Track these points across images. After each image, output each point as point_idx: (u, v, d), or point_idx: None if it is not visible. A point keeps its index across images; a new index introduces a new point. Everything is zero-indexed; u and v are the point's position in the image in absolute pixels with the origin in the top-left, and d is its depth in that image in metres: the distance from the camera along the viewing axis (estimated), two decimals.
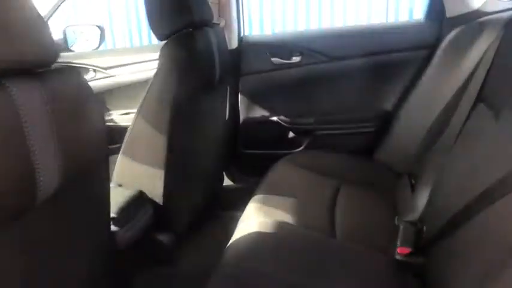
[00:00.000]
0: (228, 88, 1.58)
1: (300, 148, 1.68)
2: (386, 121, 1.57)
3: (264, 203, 1.19)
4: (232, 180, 1.81)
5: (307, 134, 1.66)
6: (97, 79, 1.86)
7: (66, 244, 0.72)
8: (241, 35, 1.70)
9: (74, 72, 0.69)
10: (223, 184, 1.79)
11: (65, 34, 1.84)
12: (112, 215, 1.01)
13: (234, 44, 1.65)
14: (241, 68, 1.66)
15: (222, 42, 1.36)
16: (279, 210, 1.15)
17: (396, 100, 1.57)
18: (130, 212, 1.10)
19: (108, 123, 1.82)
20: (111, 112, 1.85)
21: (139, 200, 1.16)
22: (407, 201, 1.19)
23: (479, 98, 1.04)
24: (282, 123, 1.67)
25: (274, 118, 1.67)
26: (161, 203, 1.19)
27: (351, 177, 1.36)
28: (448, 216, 0.85)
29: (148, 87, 1.13)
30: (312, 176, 1.34)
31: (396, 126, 1.53)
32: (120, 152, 1.19)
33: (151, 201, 1.19)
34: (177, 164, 1.19)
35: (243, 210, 1.20)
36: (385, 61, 1.57)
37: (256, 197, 1.23)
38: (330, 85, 1.63)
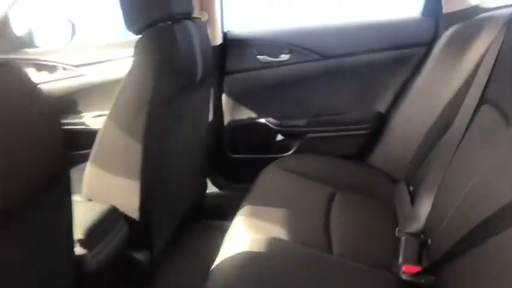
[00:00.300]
0: (212, 88, 1.46)
1: (290, 152, 1.59)
2: (380, 123, 1.50)
3: (253, 215, 1.09)
4: (217, 186, 1.71)
5: (297, 137, 1.58)
6: (67, 78, 1.70)
7: (19, 274, 0.60)
8: (226, 30, 1.58)
9: (14, 70, 0.55)
10: (207, 191, 1.67)
11: (30, 29, 1.70)
12: (79, 236, 0.89)
13: (217, 40, 1.53)
14: (225, 66, 1.56)
15: (205, 37, 1.25)
16: (269, 223, 1.05)
17: (391, 101, 1.50)
18: (101, 231, 0.97)
19: (80, 127, 1.68)
20: (82, 114, 1.70)
21: (112, 215, 1.03)
22: (407, 210, 1.12)
23: (484, 99, 0.97)
24: (270, 125, 1.58)
25: (262, 120, 1.58)
26: (137, 218, 1.07)
27: (345, 183, 1.28)
28: (458, 232, 0.76)
29: (120, 87, 1.00)
30: (304, 182, 1.26)
31: (391, 128, 1.45)
32: (89, 161, 1.06)
33: (126, 217, 1.07)
34: (154, 175, 1.07)
35: (229, 220, 1.12)
36: (379, 59, 1.50)
37: (244, 209, 1.13)
38: (321, 85, 1.55)
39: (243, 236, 0.99)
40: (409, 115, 1.40)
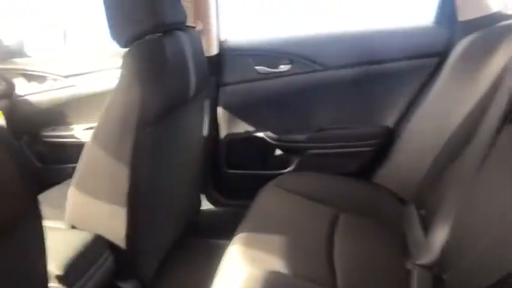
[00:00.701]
0: (207, 100, 1.37)
1: (289, 169, 1.50)
2: (388, 139, 1.41)
3: (249, 243, 1.00)
4: (212, 203, 1.63)
5: (297, 152, 1.49)
6: (56, 89, 1.62)
7: None
8: (222, 39, 1.50)
9: None
10: (202, 208, 1.58)
11: (19, 38, 1.63)
12: (57, 272, 0.80)
13: (213, 50, 1.45)
14: (221, 77, 1.48)
15: (198, 48, 1.16)
16: (267, 253, 0.96)
17: (400, 115, 1.40)
18: (84, 264, 0.90)
19: (69, 139, 1.60)
20: (72, 126, 1.62)
21: (96, 245, 0.96)
22: (419, 237, 1.04)
23: (508, 118, 0.88)
24: (269, 140, 1.49)
25: (260, 134, 1.50)
26: (124, 247, 0.99)
27: (349, 204, 1.20)
28: (485, 275, 0.66)
29: (105, 106, 0.91)
30: (304, 203, 1.18)
31: (400, 145, 1.36)
32: (72, 185, 0.97)
33: (112, 245, 0.99)
34: (142, 199, 0.99)
35: (224, 238, 1.07)
36: (388, 70, 1.40)
37: (240, 235, 1.04)
38: (324, 98, 1.46)
39: (238, 269, 0.90)
40: (419, 131, 1.30)
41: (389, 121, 1.42)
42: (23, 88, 1.61)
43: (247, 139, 1.50)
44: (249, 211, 1.17)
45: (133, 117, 0.91)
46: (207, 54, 1.30)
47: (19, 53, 1.65)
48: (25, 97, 1.59)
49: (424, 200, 1.15)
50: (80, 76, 1.63)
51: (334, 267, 0.95)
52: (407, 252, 1.00)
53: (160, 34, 0.99)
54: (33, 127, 1.62)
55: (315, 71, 1.43)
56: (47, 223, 1.00)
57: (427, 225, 1.02)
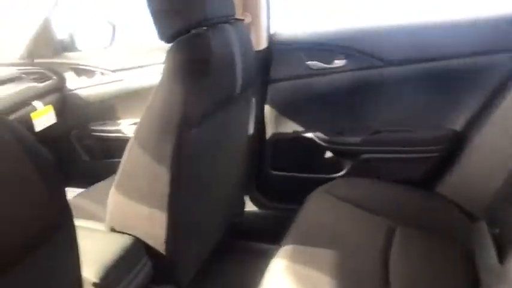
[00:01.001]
0: (253, 98, 1.30)
1: (341, 173, 1.40)
2: (456, 144, 1.25)
3: (295, 258, 0.93)
4: (256, 205, 1.57)
5: (350, 156, 1.38)
6: (105, 83, 1.63)
7: None
8: (272, 32, 1.41)
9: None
10: (245, 209, 1.52)
11: (71, 32, 1.65)
12: (94, 280, 0.79)
13: (262, 43, 1.36)
14: (270, 73, 1.39)
15: (247, 42, 1.08)
16: (315, 270, 0.89)
17: (470, 118, 1.24)
18: (122, 270, 0.87)
19: (115, 134, 1.61)
20: (119, 121, 1.62)
21: (136, 250, 0.92)
22: (492, 262, 0.90)
23: None
24: (319, 141, 1.39)
25: (309, 135, 1.40)
26: (163, 252, 0.95)
27: (409, 217, 1.08)
28: None
29: (147, 105, 0.86)
30: (357, 213, 1.09)
31: (470, 151, 1.20)
32: (113, 186, 0.94)
33: (151, 250, 0.95)
34: (183, 204, 0.94)
35: (267, 243, 1.06)
36: (457, 66, 1.25)
37: (285, 248, 0.97)
38: (382, 96, 1.33)
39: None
40: (494, 136, 1.14)
41: (458, 124, 1.26)
42: (73, 82, 1.63)
43: (295, 139, 1.42)
44: (296, 219, 1.10)
45: (175, 117, 0.85)
46: (255, 48, 1.22)
47: (70, 47, 1.67)
48: (75, 91, 1.61)
49: (498, 216, 1.01)
50: (128, 70, 1.63)
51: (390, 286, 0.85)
52: (477, 278, 0.88)
53: (206, 28, 0.92)
54: (82, 121, 1.64)
55: (372, 67, 1.31)
56: (87, 223, 1.00)
57: (501, 248, 0.90)
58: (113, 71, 1.63)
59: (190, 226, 1.01)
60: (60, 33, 1.67)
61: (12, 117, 1.26)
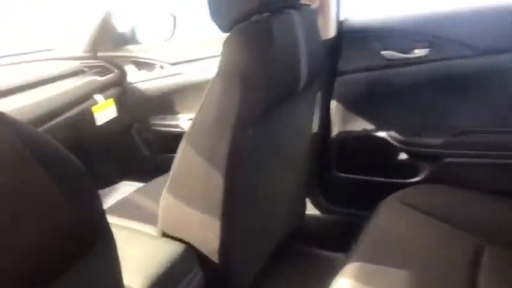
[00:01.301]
0: (319, 91, 1.19)
1: (417, 179, 1.25)
2: None
3: (364, 278, 0.81)
4: (318, 208, 1.47)
5: (429, 160, 1.23)
6: (165, 77, 1.61)
7: None
8: (342, 19, 1.29)
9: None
10: (306, 213, 1.42)
11: (132, 24, 1.66)
12: None
13: (330, 31, 1.24)
14: (338, 64, 1.28)
15: (314, 29, 0.97)
16: None
17: None
18: (171, 281, 0.82)
19: (174, 129, 1.59)
20: (178, 116, 1.60)
21: (187, 259, 0.87)
22: None
23: None
24: (392, 141, 1.26)
25: (381, 134, 1.27)
26: (216, 261, 0.88)
27: (501, 234, 0.94)
28: None
29: (201, 103, 0.79)
30: (437, 227, 0.96)
31: None
32: (165, 188, 0.89)
33: (203, 259, 0.89)
34: (238, 209, 0.87)
35: (329, 249, 1.03)
36: None
37: (352, 264, 0.85)
38: (471, 91, 1.17)
39: None
40: None
41: None
42: (133, 75, 1.63)
43: (364, 138, 1.29)
44: (365, 230, 0.97)
45: (231, 116, 0.77)
46: (323, 36, 1.10)
47: (131, 40, 1.68)
48: (135, 84, 1.61)
49: None
50: (187, 63, 1.60)
51: None
52: None
53: (268, 14, 0.82)
54: (142, 115, 1.64)
55: (460, 56, 1.15)
56: (138, 225, 0.96)
57: None
58: (172, 64, 1.61)
59: (245, 234, 0.93)
60: (120, 26, 1.68)
61: (74, 111, 1.26)
